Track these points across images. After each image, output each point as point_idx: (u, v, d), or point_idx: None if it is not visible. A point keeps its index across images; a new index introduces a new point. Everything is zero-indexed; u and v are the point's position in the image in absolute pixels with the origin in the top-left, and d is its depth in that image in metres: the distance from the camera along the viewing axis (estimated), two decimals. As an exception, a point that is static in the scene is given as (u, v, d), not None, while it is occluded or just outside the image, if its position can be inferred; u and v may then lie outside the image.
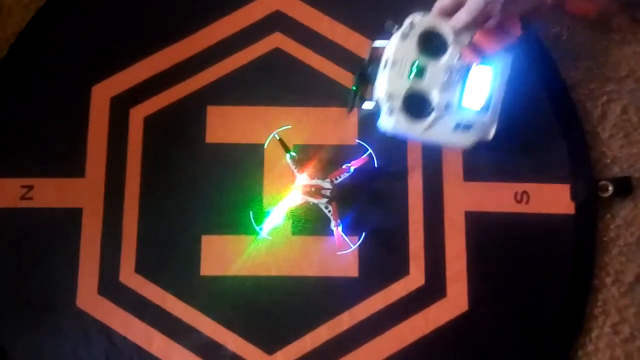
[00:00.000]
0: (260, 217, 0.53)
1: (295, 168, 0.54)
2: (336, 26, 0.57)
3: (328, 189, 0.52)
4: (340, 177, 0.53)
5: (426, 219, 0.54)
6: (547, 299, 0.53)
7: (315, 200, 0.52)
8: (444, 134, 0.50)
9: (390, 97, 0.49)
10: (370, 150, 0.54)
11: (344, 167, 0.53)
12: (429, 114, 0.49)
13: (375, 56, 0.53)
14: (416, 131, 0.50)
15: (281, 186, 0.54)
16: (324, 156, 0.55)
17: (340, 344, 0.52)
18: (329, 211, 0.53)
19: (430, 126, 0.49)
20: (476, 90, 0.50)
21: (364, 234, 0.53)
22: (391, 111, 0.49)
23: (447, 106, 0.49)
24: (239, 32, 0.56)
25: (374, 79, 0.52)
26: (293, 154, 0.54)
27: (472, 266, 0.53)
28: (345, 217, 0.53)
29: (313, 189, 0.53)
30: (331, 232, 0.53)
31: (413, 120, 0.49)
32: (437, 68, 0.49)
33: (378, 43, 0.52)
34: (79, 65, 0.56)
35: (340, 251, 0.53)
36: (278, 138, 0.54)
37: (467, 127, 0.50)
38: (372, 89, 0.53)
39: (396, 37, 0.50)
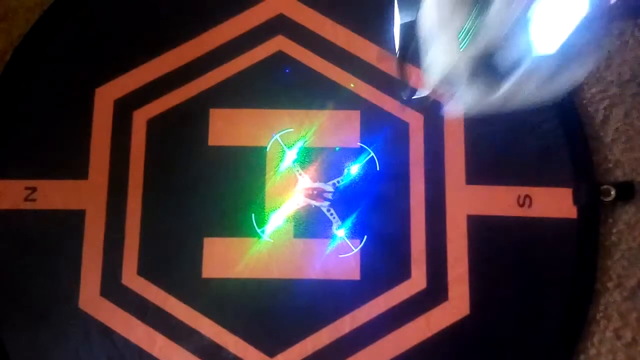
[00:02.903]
0: (262, 219, 0.54)
1: (298, 171, 0.54)
2: (339, 29, 0.57)
3: (330, 191, 0.52)
4: (342, 180, 0.53)
5: (428, 222, 0.54)
6: (549, 303, 0.53)
7: (317, 203, 0.53)
8: (524, 91, 0.43)
9: (451, 71, 0.41)
10: (372, 154, 0.54)
11: (345, 170, 0.53)
12: (501, 76, 0.40)
13: (409, 33, 0.44)
14: (492, 98, 0.43)
15: (283, 189, 0.54)
16: (326, 159, 0.55)
17: (341, 347, 0.52)
18: (331, 214, 0.53)
19: (506, 88, 0.43)
20: (545, 32, 0.40)
21: (365, 237, 0.53)
22: (459, 86, 0.42)
23: (519, 60, 0.40)
24: (242, 35, 0.57)
25: (419, 58, 0.45)
26: (295, 156, 0.54)
27: (474, 270, 0.53)
28: (347, 220, 0.53)
29: (315, 192, 0.53)
30: (333, 235, 0.53)
31: (486, 87, 0.43)
32: (492, 20, 0.42)
33: (405, 18, 0.44)
34: (83, 67, 0.56)
35: (342, 254, 0.53)
36: (280, 141, 0.55)
37: (546, 74, 0.43)
38: (415, 71, 0.45)
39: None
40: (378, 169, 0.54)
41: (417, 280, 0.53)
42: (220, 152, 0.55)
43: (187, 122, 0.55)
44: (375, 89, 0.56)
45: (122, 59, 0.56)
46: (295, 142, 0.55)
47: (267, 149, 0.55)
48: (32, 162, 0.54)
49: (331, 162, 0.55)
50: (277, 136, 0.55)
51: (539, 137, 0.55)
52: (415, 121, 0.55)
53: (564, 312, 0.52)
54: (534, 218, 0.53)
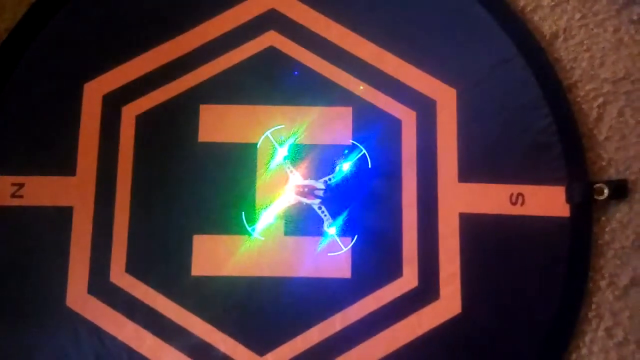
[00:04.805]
0: (253, 217, 0.53)
1: (289, 168, 0.53)
2: (332, 25, 0.56)
3: (321, 189, 0.52)
4: (333, 177, 0.53)
5: (420, 220, 0.53)
6: (541, 302, 0.52)
7: (308, 201, 0.52)
8: None
9: None
10: (364, 151, 0.54)
11: (337, 167, 0.53)
12: None
13: None
14: None
15: (274, 186, 0.54)
16: (317, 156, 0.54)
17: (332, 346, 0.51)
18: (322, 212, 0.52)
19: None
20: None
21: (356, 235, 0.53)
22: None
23: None
24: (232, 30, 0.56)
25: None
26: (286, 153, 0.53)
27: (466, 268, 0.52)
28: (339, 218, 0.53)
29: (306, 189, 0.52)
30: (324, 233, 0.52)
31: None
32: None
33: None
34: (71, 62, 0.55)
35: (332, 252, 0.52)
36: (271, 138, 0.54)
37: None
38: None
39: None
40: (370, 167, 0.54)
41: (408, 279, 0.52)
42: (211, 148, 0.54)
43: (177, 118, 0.55)
44: (368, 85, 0.55)
45: (111, 53, 0.55)
46: (287, 138, 0.54)
47: (258, 146, 0.54)
48: (19, 158, 0.54)
49: (322, 159, 0.54)
50: (269, 133, 0.54)
51: (532, 135, 0.54)
52: (407, 118, 0.55)
53: (556, 311, 0.52)
54: (526, 216, 0.53)
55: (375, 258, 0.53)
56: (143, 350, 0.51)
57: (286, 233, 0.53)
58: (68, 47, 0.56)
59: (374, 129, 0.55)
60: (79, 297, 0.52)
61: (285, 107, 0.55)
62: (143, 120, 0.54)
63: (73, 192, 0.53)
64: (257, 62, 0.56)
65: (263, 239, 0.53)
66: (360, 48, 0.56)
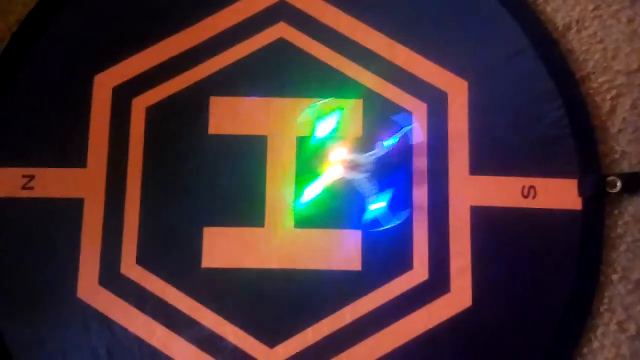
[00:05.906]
0: (263, 209, 0.53)
1: (333, 142, 0.52)
2: (341, 16, 0.56)
3: (365, 164, 0.51)
4: (375, 154, 0.52)
5: (431, 213, 0.53)
6: (553, 295, 0.52)
7: (353, 176, 0.51)
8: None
9: None
10: (414, 123, 0.53)
11: (378, 143, 0.52)
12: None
13: None
14: None
15: (284, 179, 0.53)
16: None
17: (342, 338, 0.51)
18: (371, 185, 0.51)
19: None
20: None
21: (409, 210, 0.52)
22: None
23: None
24: (242, 22, 0.56)
25: None
26: (334, 125, 0.52)
27: (476, 261, 0.52)
28: (385, 193, 0.52)
29: (352, 164, 0.51)
30: (335, 225, 0.52)
31: None
32: None
33: None
34: (82, 54, 0.55)
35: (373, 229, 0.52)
36: (309, 116, 0.53)
37: None
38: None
39: None
40: (423, 139, 0.53)
41: (419, 272, 0.52)
42: (221, 140, 0.54)
43: (187, 110, 0.54)
44: (378, 77, 0.55)
45: (121, 45, 0.55)
46: (299, 131, 0.54)
47: (298, 121, 0.53)
48: (29, 150, 0.54)
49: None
50: (313, 107, 0.53)
51: (544, 127, 0.54)
52: (418, 110, 0.55)
53: (567, 304, 0.52)
54: (538, 209, 0.53)
55: (386, 251, 0.53)
56: (153, 342, 0.51)
57: (296, 225, 0.53)
58: (78, 39, 0.56)
59: (384, 121, 0.54)
60: (89, 289, 0.52)
61: (295, 99, 0.55)
62: (153, 112, 0.54)
63: (84, 184, 0.53)
64: (267, 54, 0.55)
65: (273, 231, 0.52)
66: (370, 39, 0.56)
